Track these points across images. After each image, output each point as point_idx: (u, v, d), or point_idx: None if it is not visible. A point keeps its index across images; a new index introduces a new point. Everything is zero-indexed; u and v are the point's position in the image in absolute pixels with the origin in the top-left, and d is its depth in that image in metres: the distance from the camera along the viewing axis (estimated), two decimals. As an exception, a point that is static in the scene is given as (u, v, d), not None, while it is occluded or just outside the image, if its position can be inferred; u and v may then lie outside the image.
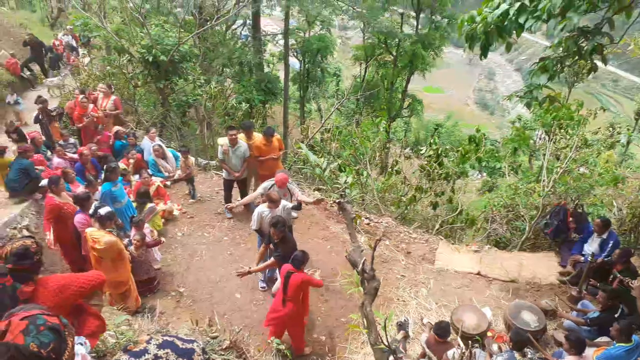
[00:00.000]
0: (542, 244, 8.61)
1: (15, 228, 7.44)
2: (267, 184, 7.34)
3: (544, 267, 7.57)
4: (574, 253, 7.32)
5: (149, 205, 8.09)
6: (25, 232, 7.47)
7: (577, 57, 4.58)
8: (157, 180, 9.23)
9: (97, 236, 5.72)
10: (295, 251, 5.70)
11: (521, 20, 4.29)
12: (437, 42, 26.06)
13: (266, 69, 24.73)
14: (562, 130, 9.56)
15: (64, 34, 18.11)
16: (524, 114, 25.86)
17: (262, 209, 6.77)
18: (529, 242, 8.78)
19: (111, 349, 3.58)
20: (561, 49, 4.66)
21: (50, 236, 6.63)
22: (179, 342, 1.63)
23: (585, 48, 4.40)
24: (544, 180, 8.96)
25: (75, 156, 9.20)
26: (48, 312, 1.99)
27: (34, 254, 3.26)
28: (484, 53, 4.89)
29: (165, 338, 1.64)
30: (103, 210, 5.91)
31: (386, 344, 3.66)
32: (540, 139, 12.90)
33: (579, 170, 9.24)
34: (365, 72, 28.56)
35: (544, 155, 9.76)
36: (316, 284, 5.75)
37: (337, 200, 5.12)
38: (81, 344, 2.96)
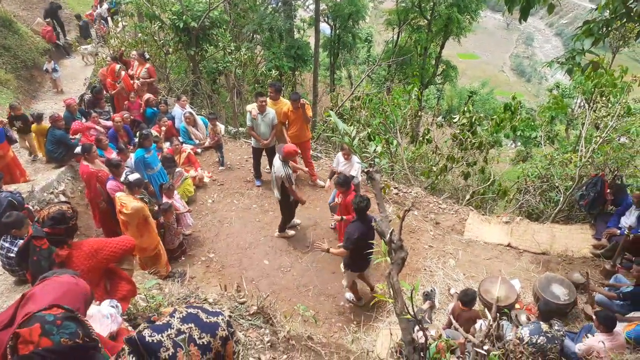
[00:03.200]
0: (577, 216, 8.36)
1: (52, 193, 7.70)
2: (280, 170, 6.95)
3: (578, 239, 7.36)
4: (610, 226, 7.08)
5: (177, 170, 8.24)
6: (62, 197, 7.73)
7: (625, 20, 4.28)
8: (187, 148, 9.35)
9: (126, 201, 5.87)
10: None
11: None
12: (474, 5, 25.00)
13: (296, 35, 24.37)
14: (603, 98, 9.10)
15: (98, 5, 18.19)
16: (562, 81, 24.80)
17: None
18: (563, 214, 8.54)
19: (142, 312, 3.70)
20: (608, 11, 4.37)
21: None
22: (203, 315, 1.61)
23: (634, 9, 4.10)
24: (581, 150, 8.62)
25: (109, 123, 9.37)
26: (79, 284, 1.99)
27: (70, 218, 3.32)
28: (523, 16, 4.60)
29: (189, 311, 1.62)
30: (132, 177, 6.03)
31: (412, 313, 3.65)
32: (579, 107, 12.36)
33: (619, 140, 8.83)
34: (398, 37, 27.72)
35: (583, 124, 9.36)
36: None
37: (365, 170, 5.05)
38: (113, 307, 3.06)
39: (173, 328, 1.54)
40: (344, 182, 6.41)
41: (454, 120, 10.39)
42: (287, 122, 8.54)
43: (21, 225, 4.81)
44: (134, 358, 1.52)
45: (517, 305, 5.72)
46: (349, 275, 6.21)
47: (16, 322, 2.00)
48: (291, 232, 7.80)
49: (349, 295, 6.59)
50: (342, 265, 6.32)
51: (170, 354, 1.49)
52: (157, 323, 1.58)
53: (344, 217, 6.56)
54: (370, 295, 6.52)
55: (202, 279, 6.84)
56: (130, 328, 3.23)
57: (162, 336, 1.51)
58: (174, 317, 1.59)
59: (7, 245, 4.80)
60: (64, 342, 1.67)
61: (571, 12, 64.72)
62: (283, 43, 21.74)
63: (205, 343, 1.55)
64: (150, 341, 1.50)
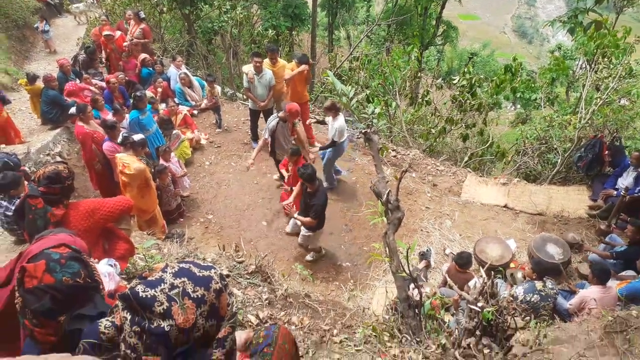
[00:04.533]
0: (574, 177, 8.38)
1: (48, 154, 7.66)
2: (271, 123, 7.08)
3: (574, 200, 7.41)
4: (606, 187, 7.12)
5: (174, 132, 8.18)
6: (58, 158, 7.69)
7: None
8: (183, 109, 9.25)
9: (128, 161, 5.85)
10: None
11: None
12: (477, -37, 24.26)
13: (294, -7, 23.70)
14: (605, 59, 8.95)
15: None
16: (565, 42, 24.38)
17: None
18: (560, 176, 8.56)
19: (141, 271, 3.75)
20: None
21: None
22: (195, 270, 1.61)
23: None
24: (581, 112, 8.55)
25: (103, 84, 9.23)
26: (76, 243, 2.01)
27: (66, 178, 3.30)
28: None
29: (181, 265, 1.62)
30: (137, 137, 6.01)
31: (407, 272, 3.71)
32: (580, 68, 12.17)
33: (619, 101, 8.75)
34: (398, -4, 27.06)
35: (584, 85, 9.25)
36: None
37: (363, 131, 5.01)
38: (111, 266, 3.09)
39: (166, 283, 1.55)
40: (295, 152, 6.48)
41: (454, 82, 10.26)
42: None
43: (17, 185, 4.81)
44: (128, 314, 1.53)
45: (512, 265, 5.81)
46: (315, 236, 6.25)
47: (13, 280, 2.01)
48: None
49: (310, 256, 6.64)
50: (303, 232, 6.26)
51: (165, 307, 1.50)
52: (150, 278, 1.59)
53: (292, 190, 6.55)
54: (367, 255, 6.60)
55: (200, 240, 6.91)
56: (128, 286, 3.27)
57: (155, 291, 1.52)
58: (166, 272, 1.59)
59: (5, 204, 4.80)
60: (65, 281, 1.74)
61: (576, -30, 62.93)
62: (280, 2, 21.16)
63: (200, 296, 1.56)
64: (144, 296, 1.51)
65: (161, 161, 7.07)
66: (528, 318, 4.22)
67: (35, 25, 12.65)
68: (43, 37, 12.84)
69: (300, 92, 8.35)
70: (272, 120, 7.09)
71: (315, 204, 5.76)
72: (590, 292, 4.71)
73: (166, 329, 1.49)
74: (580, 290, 5.07)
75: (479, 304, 3.65)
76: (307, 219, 5.90)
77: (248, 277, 4.41)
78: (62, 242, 1.92)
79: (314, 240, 6.32)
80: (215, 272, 1.66)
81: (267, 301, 4.05)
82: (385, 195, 4.09)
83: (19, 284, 1.80)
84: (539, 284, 4.72)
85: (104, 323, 1.64)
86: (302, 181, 5.88)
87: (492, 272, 5.25)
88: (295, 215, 6.06)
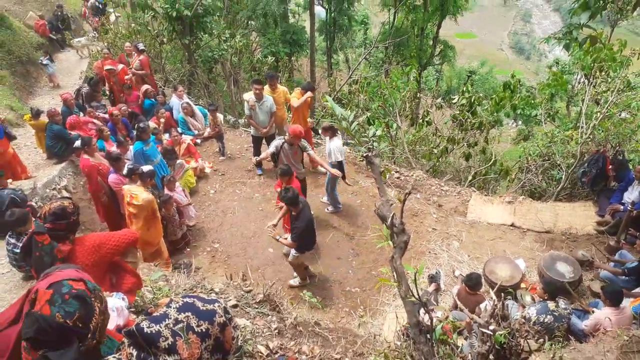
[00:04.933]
0: (579, 193, 8.34)
1: (54, 188, 7.69)
2: (277, 142, 7.19)
3: (581, 217, 7.36)
4: (612, 202, 7.08)
5: (178, 161, 8.23)
6: (64, 193, 7.73)
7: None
8: (187, 139, 9.32)
9: (136, 192, 5.87)
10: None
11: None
12: (471, -17, 24.73)
13: (291, 20, 24.17)
14: (602, 73, 9.01)
15: None
16: (562, 57, 24.59)
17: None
18: (565, 192, 8.53)
19: (149, 304, 3.72)
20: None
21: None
22: (199, 304, 1.62)
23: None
24: (582, 127, 8.57)
25: (106, 116, 9.33)
26: (76, 276, 2.00)
27: (71, 214, 3.32)
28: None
29: (185, 300, 1.63)
30: (146, 168, 6.06)
31: (417, 296, 3.66)
32: (579, 83, 12.23)
33: (620, 115, 8.77)
34: (394, 18, 27.39)
35: (583, 100, 9.29)
36: None
37: (364, 154, 5.03)
38: (120, 300, 3.07)
39: (170, 318, 1.56)
40: (286, 173, 6.43)
41: (454, 101, 10.33)
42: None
43: (25, 223, 4.83)
44: (134, 350, 1.54)
45: (522, 285, 5.74)
46: (299, 258, 6.24)
47: (23, 318, 2.00)
48: None
49: (294, 281, 6.62)
50: (292, 252, 6.24)
51: (170, 343, 1.50)
52: (155, 314, 1.60)
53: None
54: (376, 279, 6.54)
55: (208, 269, 6.87)
56: (134, 323, 3.25)
57: (160, 326, 1.53)
58: (171, 307, 1.61)
59: (12, 241, 4.82)
60: (57, 318, 1.70)
61: (569, -14, 63.83)
62: (278, 28, 21.54)
63: (204, 330, 1.57)
64: (149, 332, 1.52)
65: (166, 191, 7.10)
66: (542, 340, 4.14)
67: (40, 59, 12.87)
68: (46, 71, 13.03)
69: (303, 118, 8.46)
70: (278, 140, 7.19)
71: (297, 226, 5.79)
72: (604, 314, 4.63)
73: None
74: (593, 309, 4.99)
75: (491, 327, 3.60)
76: (288, 242, 5.97)
77: (256, 306, 4.37)
78: (82, 277, 1.91)
79: (300, 262, 6.35)
80: (219, 306, 1.66)
81: (276, 330, 3.99)
82: (390, 219, 4.07)
83: (30, 304, 1.80)
84: (551, 305, 4.65)
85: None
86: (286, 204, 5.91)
87: (503, 293, 5.19)
88: (278, 237, 6.10)
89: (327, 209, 8.03)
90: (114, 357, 1.65)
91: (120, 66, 10.66)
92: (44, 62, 12.68)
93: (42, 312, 1.71)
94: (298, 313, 4.58)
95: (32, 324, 1.70)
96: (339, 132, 7.58)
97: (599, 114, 8.33)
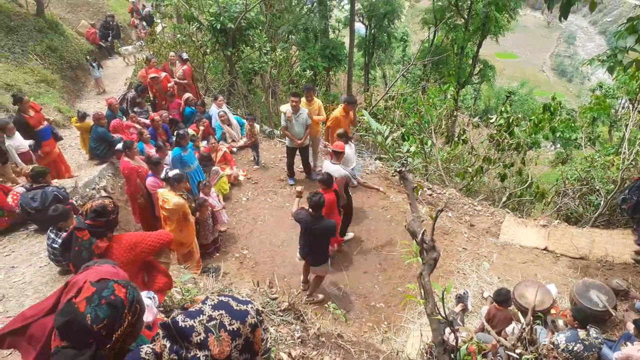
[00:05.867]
0: (618, 220, 8.05)
1: (94, 188, 8.00)
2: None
3: (618, 245, 7.10)
4: (653, 231, 6.81)
5: (213, 168, 8.43)
6: (103, 193, 8.03)
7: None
8: (223, 147, 9.54)
9: (168, 197, 6.05)
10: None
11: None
12: (513, 4, 24.45)
13: (331, 35, 24.44)
14: (648, 98, 8.75)
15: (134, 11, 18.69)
16: (606, 80, 23.91)
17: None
18: (603, 219, 8.24)
19: (177, 305, 3.82)
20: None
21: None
22: (234, 303, 1.68)
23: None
24: (624, 153, 8.30)
25: (148, 121, 9.67)
26: (120, 274, 2.06)
27: (111, 212, 3.47)
28: (564, 14, 4.46)
29: (220, 299, 1.69)
30: (172, 173, 6.21)
31: (443, 315, 3.63)
32: (623, 108, 11.88)
33: (664, 142, 8.47)
34: (434, 36, 27.37)
35: (627, 125, 9.01)
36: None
37: (398, 169, 5.03)
38: (150, 298, 3.18)
39: (205, 314, 1.62)
40: (324, 182, 6.42)
41: (491, 121, 10.19)
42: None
43: (66, 218, 5.05)
44: (167, 342, 1.60)
45: (552, 311, 5.58)
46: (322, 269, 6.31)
47: (59, 308, 2.10)
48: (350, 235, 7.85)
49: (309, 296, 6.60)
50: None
51: (202, 338, 1.56)
52: (190, 309, 1.66)
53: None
54: (402, 295, 6.49)
55: (235, 275, 6.97)
56: (165, 319, 3.34)
57: (194, 321, 1.59)
58: (206, 304, 1.66)
59: (52, 236, 5.03)
60: (87, 318, 1.73)
61: (616, 9, 62.13)
62: (318, 43, 21.83)
63: (235, 329, 1.61)
64: (183, 326, 1.58)
65: (201, 195, 7.28)
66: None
67: (88, 61, 13.50)
68: (93, 74, 13.62)
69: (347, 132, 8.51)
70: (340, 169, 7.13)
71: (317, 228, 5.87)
72: (637, 348, 4.44)
73: (201, 359, 1.55)
74: (625, 343, 4.79)
75: (517, 351, 3.53)
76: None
77: (281, 314, 4.41)
78: (129, 284, 1.92)
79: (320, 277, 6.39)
80: (252, 307, 1.71)
81: (299, 339, 4.02)
82: (420, 235, 4.06)
83: (77, 292, 1.84)
84: (582, 333, 4.50)
85: (145, 349, 1.70)
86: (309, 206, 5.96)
87: (532, 317, 5.05)
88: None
89: None
90: (149, 346, 1.71)
91: (163, 74, 11.05)
92: (93, 64, 13.27)
93: (78, 307, 1.76)
94: (322, 324, 4.60)
95: (66, 314, 1.75)
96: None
97: (642, 140, 8.08)
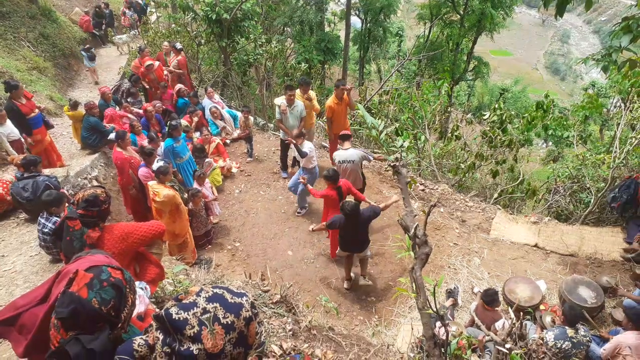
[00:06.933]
0: (608, 218, 8.13)
1: (85, 178, 7.94)
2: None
3: (608, 242, 7.18)
4: (642, 230, 6.89)
5: (206, 160, 8.40)
6: (95, 182, 7.98)
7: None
8: (216, 138, 9.50)
9: (158, 189, 6.02)
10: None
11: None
12: (508, 1, 24.51)
13: (327, 29, 24.35)
14: (640, 98, 8.80)
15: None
16: (598, 80, 24.06)
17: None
18: (593, 216, 8.32)
19: (169, 296, 3.82)
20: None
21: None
22: (228, 296, 1.67)
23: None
24: (615, 152, 8.37)
25: (140, 111, 9.60)
26: (113, 263, 2.06)
27: (103, 202, 3.44)
28: (559, 12, 4.46)
29: (215, 291, 1.68)
30: (156, 165, 6.17)
31: (434, 309, 3.65)
32: (615, 107, 11.95)
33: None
34: (430, 32, 27.39)
35: (618, 124, 9.08)
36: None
37: (392, 164, 5.03)
38: (142, 289, 3.16)
39: (199, 307, 1.61)
40: (332, 177, 6.50)
41: (484, 117, 10.22)
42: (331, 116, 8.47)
43: (59, 204, 5.03)
44: (161, 334, 1.59)
45: (542, 307, 5.64)
46: (340, 252, 6.52)
47: (51, 298, 2.08)
48: None
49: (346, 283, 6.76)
50: None
51: (196, 331, 1.55)
52: (184, 301, 1.65)
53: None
54: (393, 289, 6.53)
55: (227, 267, 6.97)
56: (157, 309, 3.33)
57: (188, 314, 1.58)
58: (200, 296, 1.65)
59: (42, 221, 5.01)
60: (93, 303, 1.74)
61: (610, 8, 62.52)
62: (313, 36, 21.76)
63: (229, 322, 1.61)
64: (177, 318, 1.57)
65: (195, 185, 7.26)
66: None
67: (81, 50, 13.33)
68: (86, 65, 13.46)
69: (343, 123, 8.46)
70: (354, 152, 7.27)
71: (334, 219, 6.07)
72: (625, 338, 4.51)
73: (195, 352, 1.54)
74: (613, 337, 4.86)
75: (507, 346, 3.56)
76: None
77: (273, 306, 4.42)
78: (121, 267, 1.96)
79: (345, 259, 6.60)
80: (246, 300, 1.70)
81: (290, 332, 4.04)
82: (413, 230, 4.08)
83: (67, 283, 1.83)
84: (570, 331, 4.55)
85: (138, 341, 1.69)
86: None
87: (522, 313, 5.11)
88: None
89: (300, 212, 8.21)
90: (142, 338, 1.71)
91: (157, 63, 10.96)
92: (85, 54, 13.10)
93: (80, 294, 1.76)
94: (313, 317, 4.62)
95: (68, 304, 1.74)
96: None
97: (634, 139, 8.13)
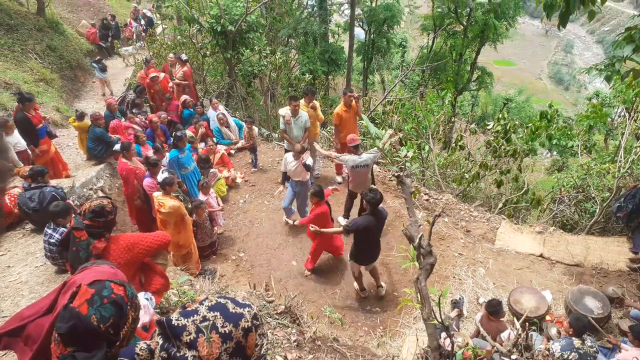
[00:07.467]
0: (613, 228, 8.09)
1: (91, 189, 7.98)
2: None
3: (614, 252, 7.13)
4: (648, 240, 6.84)
5: (211, 170, 8.45)
6: (100, 193, 8.02)
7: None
8: (221, 149, 9.55)
9: (163, 201, 6.05)
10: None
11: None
12: (512, 12, 24.58)
13: (331, 40, 24.45)
14: (645, 108, 8.79)
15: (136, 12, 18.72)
16: (602, 89, 24.04)
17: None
18: (599, 226, 8.28)
19: (174, 306, 3.82)
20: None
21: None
22: (230, 306, 1.68)
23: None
24: (620, 161, 8.35)
25: (146, 121, 9.67)
26: (117, 276, 2.06)
27: (109, 213, 3.48)
28: (562, 22, 4.48)
29: (219, 300, 1.69)
30: (161, 176, 6.21)
31: (439, 320, 3.64)
32: (619, 116, 11.95)
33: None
34: (433, 42, 27.48)
35: (623, 134, 9.06)
36: None
37: (396, 174, 5.04)
38: (147, 299, 3.18)
39: (199, 314, 1.63)
40: (318, 193, 6.53)
41: (488, 127, 10.23)
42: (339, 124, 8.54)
43: (66, 215, 5.05)
44: (161, 339, 1.61)
45: (547, 317, 5.60)
46: (353, 265, 6.43)
47: (57, 308, 2.09)
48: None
49: (355, 284, 6.72)
50: (348, 254, 6.50)
51: (192, 338, 1.57)
52: (187, 309, 1.67)
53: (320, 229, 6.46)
54: (397, 300, 6.50)
55: (231, 277, 6.97)
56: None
57: (187, 321, 1.60)
58: (203, 304, 1.67)
59: (49, 232, 5.03)
60: (92, 320, 1.73)
61: (613, 19, 62.61)
62: (317, 47, 21.85)
63: (227, 332, 1.62)
64: (176, 324, 1.59)
65: (200, 195, 7.28)
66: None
67: (92, 62, 13.45)
68: (97, 75, 13.52)
69: (352, 131, 8.43)
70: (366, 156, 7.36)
71: (354, 221, 6.01)
72: (631, 354, 4.47)
73: (189, 358, 1.56)
74: (623, 345, 4.82)
75: (513, 357, 3.54)
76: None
77: (277, 317, 4.42)
78: (125, 282, 1.93)
79: (356, 271, 6.49)
80: (249, 311, 1.70)
81: (295, 343, 4.03)
82: (417, 240, 4.07)
83: (70, 298, 1.82)
84: (577, 342, 4.51)
85: (140, 345, 1.70)
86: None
87: (527, 323, 5.07)
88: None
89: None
90: (145, 342, 1.72)
91: (162, 75, 11.06)
92: (96, 65, 13.18)
93: (80, 310, 1.75)
94: (317, 327, 4.60)
95: (68, 320, 1.73)
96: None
97: (638, 148, 8.12)
